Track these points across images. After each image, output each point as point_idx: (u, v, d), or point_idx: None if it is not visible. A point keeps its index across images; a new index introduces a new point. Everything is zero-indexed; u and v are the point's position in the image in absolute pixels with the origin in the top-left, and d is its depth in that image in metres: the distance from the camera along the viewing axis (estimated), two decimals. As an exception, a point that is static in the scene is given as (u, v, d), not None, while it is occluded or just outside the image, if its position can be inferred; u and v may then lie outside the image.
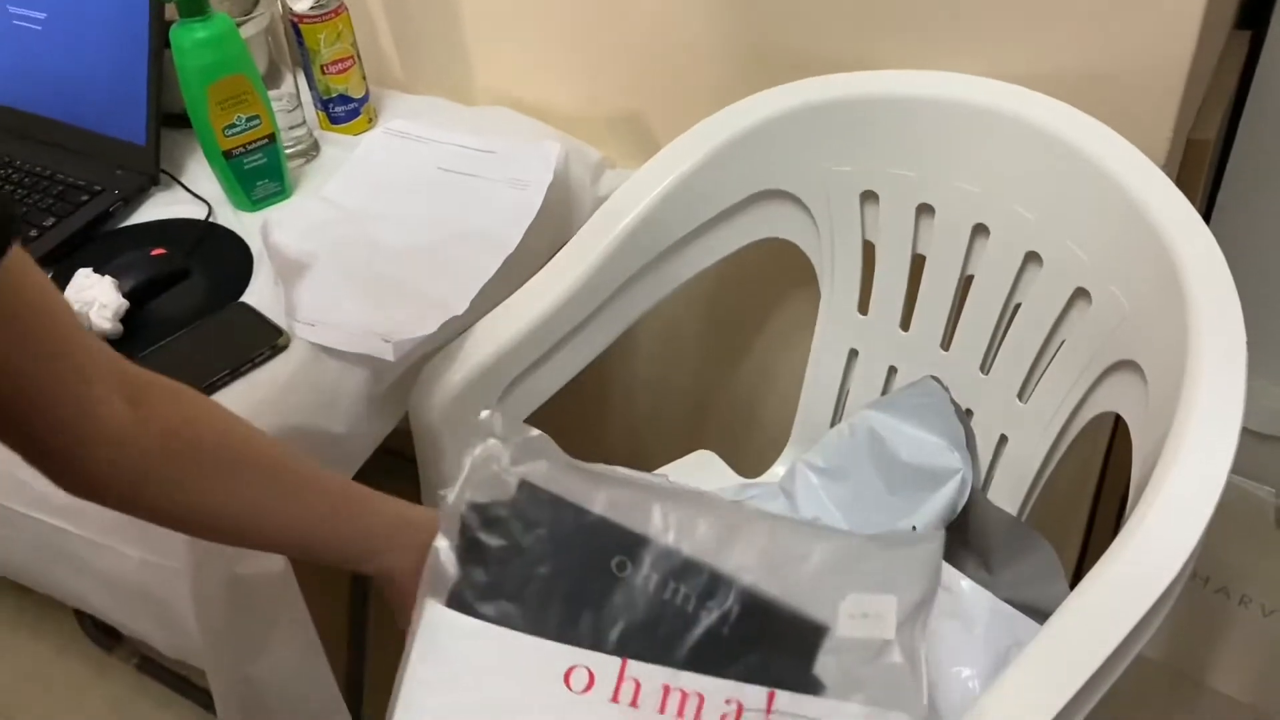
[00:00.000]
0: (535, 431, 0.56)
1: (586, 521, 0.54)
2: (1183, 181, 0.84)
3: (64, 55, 1.08)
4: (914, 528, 0.85)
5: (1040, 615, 0.82)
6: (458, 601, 0.54)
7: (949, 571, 0.82)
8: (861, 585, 0.53)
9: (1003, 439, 0.90)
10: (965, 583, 0.81)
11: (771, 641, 0.53)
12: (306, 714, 0.91)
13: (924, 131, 0.88)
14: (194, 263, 0.95)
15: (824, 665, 0.52)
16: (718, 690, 0.51)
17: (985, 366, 0.91)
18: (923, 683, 0.52)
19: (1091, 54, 0.84)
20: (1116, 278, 0.78)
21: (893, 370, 0.98)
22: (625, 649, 0.52)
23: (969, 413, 0.92)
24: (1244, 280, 0.71)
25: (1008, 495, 0.89)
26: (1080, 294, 0.82)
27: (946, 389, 0.91)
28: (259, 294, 0.90)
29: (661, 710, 0.51)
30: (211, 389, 0.82)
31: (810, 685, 0.52)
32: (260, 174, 1.00)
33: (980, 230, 0.87)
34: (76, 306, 0.86)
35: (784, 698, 0.51)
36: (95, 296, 0.86)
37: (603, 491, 0.54)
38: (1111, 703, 0.62)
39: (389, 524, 0.64)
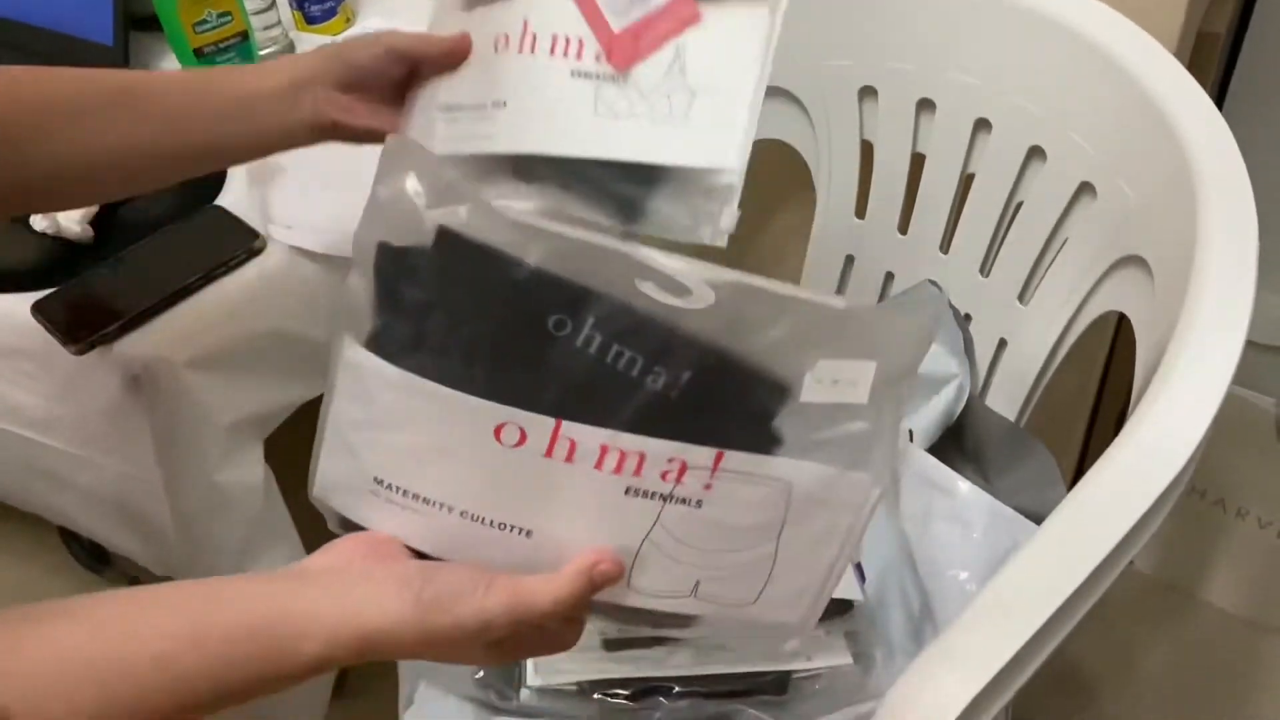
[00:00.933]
0: (453, 171, 0.50)
1: (518, 276, 0.46)
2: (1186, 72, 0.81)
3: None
4: (910, 433, 0.83)
5: (1038, 521, 0.80)
6: (376, 346, 0.49)
7: (947, 474, 0.80)
8: (836, 353, 0.47)
9: (1002, 343, 0.88)
10: (964, 485, 0.79)
11: (725, 405, 0.48)
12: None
13: (924, 22, 0.84)
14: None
15: (782, 426, 0.48)
16: (661, 450, 0.47)
17: (985, 269, 0.88)
18: (891, 451, 0.49)
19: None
20: (1124, 170, 0.75)
21: (890, 276, 0.95)
22: (561, 410, 0.47)
23: (968, 317, 0.90)
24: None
25: (1006, 401, 0.87)
26: (1085, 188, 0.79)
27: (944, 293, 0.89)
28: (234, 196, 0.87)
29: (598, 467, 0.48)
30: (186, 292, 0.79)
31: (763, 444, 0.48)
32: (235, 75, 0.96)
33: (982, 125, 0.84)
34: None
35: (734, 457, 0.48)
36: (63, 198, 0.83)
37: (539, 243, 0.46)
38: (1105, 613, 0.61)
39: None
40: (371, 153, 0.49)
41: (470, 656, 0.50)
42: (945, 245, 0.90)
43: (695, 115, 0.58)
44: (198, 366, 0.77)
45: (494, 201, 0.47)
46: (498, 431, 0.48)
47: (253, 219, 0.84)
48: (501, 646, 0.49)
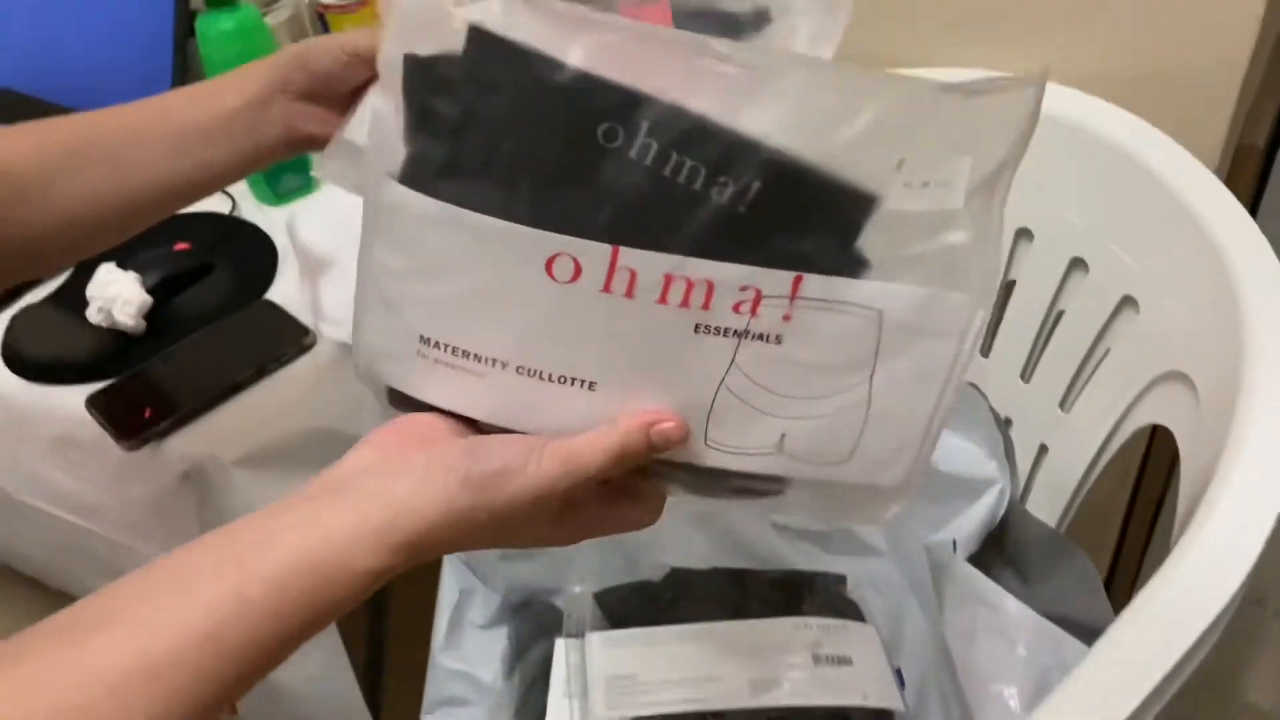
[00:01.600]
0: None
1: (561, 79, 0.41)
2: (1230, 189, 0.82)
3: (86, 43, 1.06)
4: (954, 542, 0.83)
5: (1078, 628, 0.80)
6: (411, 178, 0.44)
7: (992, 588, 0.80)
8: (926, 147, 0.41)
9: (1043, 449, 0.88)
10: (1010, 601, 0.79)
11: (802, 220, 0.42)
12: (329, 718, 0.90)
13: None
14: (218, 258, 0.93)
15: (868, 243, 0.42)
16: (731, 276, 0.42)
17: (1026, 374, 0.89)
18: (996, 263, 0.43)
19: (1143, 54, 0.81)
20: (1167, 286, 0.76)
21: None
22: (617, 235, 0.42)
23: (1008, 421, 0.90)
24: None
25: (1046, 507, 0.87)
26: (1127, 302, 0.79)
27: (985, 397, 0.89)
28: (284, 291, 0.89)
29: (663, 300, 0.42)
30: (236, 389, 0.80)
31: (849, 266, 0.42)
32: (286, 168, 0.98)
33: (1024, 235, 0.85)
34: (100, 303, 0.85)
35: (814, 282, 0.42)
36: (119, 292, 0.85)
37: (583, 37, 0.40)
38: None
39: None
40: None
41: (537, 535, 0.46)
42: (986, 350, 0.91)
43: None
44: (247, 464, 0.78)
45: None
46: (549, 265, 0.42)
47: (303, 314, 0.85)
48: (565, 521, 0.46)
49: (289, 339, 0.83)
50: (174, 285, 0.89)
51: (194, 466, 0.77)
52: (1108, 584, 1.12)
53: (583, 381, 0.44)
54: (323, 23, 1.02)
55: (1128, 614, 0.60)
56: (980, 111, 0.42)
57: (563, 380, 0.44)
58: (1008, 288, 0.88)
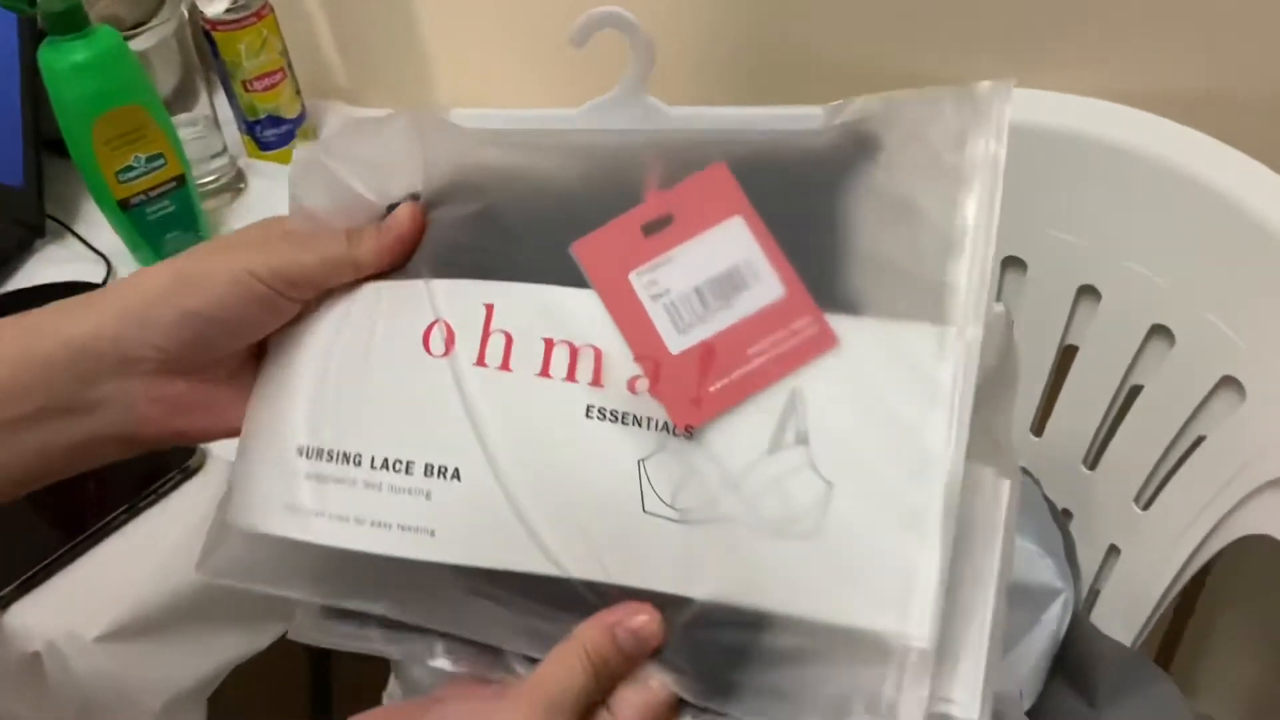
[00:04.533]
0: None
1: None
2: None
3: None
4: (1020, 693, 0.67)
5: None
6: None
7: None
8: None
9: (1113, 550, 0.72)
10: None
11: None
12: None
13: (1011, 167, 0.69)
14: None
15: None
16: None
17: (1090, 460, 0.72)
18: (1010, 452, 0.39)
19: (1229, 71, 0.65)
20: (1282, 367, 0.60)
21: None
22: None
23: (1066, 514, 0.74)
24: None
25: (1120, 620, 0.71)
26: (1229, 384, 0.63)
27: (1039, 483, 0.73)
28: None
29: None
30: (100, 535, 0.63)
31: None
32: (169, 224, 0.80)
33: (1087, 292, 0.69)
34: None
35: None
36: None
37: None
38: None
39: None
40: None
41: None
42: (1039, 428, 0.74)
43: (834, 525, 0.34)
44: (116, 638, 0.60)
45: None
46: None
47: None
48: None
49: (169, 461, 0.66)
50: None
51: (47, 646, 0.60)
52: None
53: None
54: (210, 42, 0.83)
55: None
56: None
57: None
58: (1067, 353, 0.72)
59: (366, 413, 0.39)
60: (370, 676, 0.72)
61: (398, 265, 0.41)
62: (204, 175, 0.86)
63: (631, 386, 0.36)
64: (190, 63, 0.84)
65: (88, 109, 0.72)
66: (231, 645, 0.66)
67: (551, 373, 0.36)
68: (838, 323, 0.35)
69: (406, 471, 0.37)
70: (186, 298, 0.38)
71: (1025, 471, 0.74)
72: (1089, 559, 0.73)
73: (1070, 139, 0.67)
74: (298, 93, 0.90)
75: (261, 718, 0.97)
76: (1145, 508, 0.70)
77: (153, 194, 0.78)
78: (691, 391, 0.35)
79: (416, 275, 0.40)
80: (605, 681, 0.35)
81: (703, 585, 0.34)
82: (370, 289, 0.41)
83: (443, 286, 0.39)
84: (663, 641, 0.35)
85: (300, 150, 0.44)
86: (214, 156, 0.87)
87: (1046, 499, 0.73)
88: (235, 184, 0.89)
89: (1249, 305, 0.61)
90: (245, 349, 0.42)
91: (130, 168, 0.76)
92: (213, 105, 0.87)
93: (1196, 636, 1.01)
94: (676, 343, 0.36)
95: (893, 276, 0.35)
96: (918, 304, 0.35)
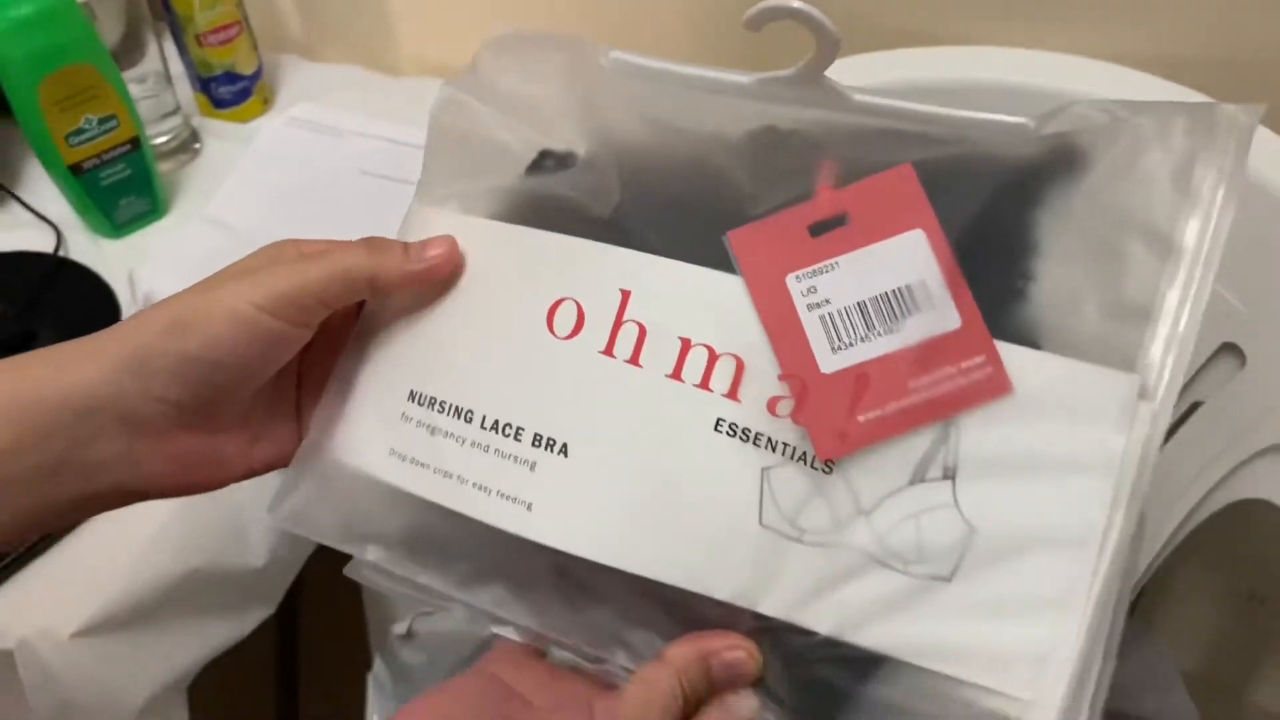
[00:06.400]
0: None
1: None
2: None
3: None
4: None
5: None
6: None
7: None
8: None
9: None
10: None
11: None
12: None
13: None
14: (40, 318, 0.71)
15: None
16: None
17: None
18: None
19: (1242, 35, 0.64)
20: (1283, 334, 0.60)
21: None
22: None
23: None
24: None
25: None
26: (1229, 350, 0.63)
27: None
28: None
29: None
30: (71, 525, 0.59)
31: None
32: (122, 190, 0.75)
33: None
34: None
35: None
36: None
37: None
38: None
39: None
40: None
41: None
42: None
43: (971, 576, 0.31)
44: (93, 634, 0.57)
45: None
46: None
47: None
48: None
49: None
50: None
51: (20, 644, 0.56)
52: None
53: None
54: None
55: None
56: None
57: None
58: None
59: (483, 371, 0.36)
60: (336, 658, 0.70)
61: (422, 301, 0.38)
62: (156, 136, 0.82)
63: (772, 408, 0.33)
64: (138, 13, 0.79)
65: (34, 68, 0.67)
66: (214, 635, 0.63)
67: (684, 376, 0.34)
68: (1012, 355, 0.32)
69: (515, 437, 0.35)
70: (183, 341, 0.34)
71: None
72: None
73: (1069, 100, 0.65)
74: (254, 47, 0.85)
75: (227, 698, 0.95)
76: (1138, 471, 0.70)
77: (106, 158, 0.73)
78: (839, 422, 0.32)
79: (539, 222, 0.37)
80: (690, 708, 0.33)
81: (814, 615, 0.32)
82: (496, 233, 0.38)
83: (579, 248, 0.36)
84: (759, 675, 0.33)
85: (446, 87, 0.40)
86: (166, 116, 0.83)
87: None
88: (190, 145, 0.84)
89: (1252, 271, 0.61)
90: (259, 387, 0.38)
91: (81, 130, 0.71)
92: (164, 59, 0.82)
93: (1161, 585, 1.03)
94: (829, 362, 0.33)
95: (1084, 320, 0.32)
96: (1107, 352, 0.31)
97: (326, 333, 0.38)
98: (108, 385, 0.34)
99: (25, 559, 0.58)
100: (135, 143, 0.74)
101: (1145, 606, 0.79)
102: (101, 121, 0.72)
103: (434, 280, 0.37)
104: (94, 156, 0.73)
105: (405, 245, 0.37)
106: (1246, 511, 0.64)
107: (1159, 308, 0.31)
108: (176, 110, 0.83)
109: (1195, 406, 0.66)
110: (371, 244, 0.37)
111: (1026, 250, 0.33)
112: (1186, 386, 0.65)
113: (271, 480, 0.40)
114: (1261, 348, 0.61)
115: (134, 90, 0.77)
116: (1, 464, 0.34)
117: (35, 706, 0.58)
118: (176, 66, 0.85)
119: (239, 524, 0.62)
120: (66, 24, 0.68)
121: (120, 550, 0.59)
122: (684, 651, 0.33)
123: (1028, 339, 0.32)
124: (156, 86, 0.82)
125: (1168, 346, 0.31)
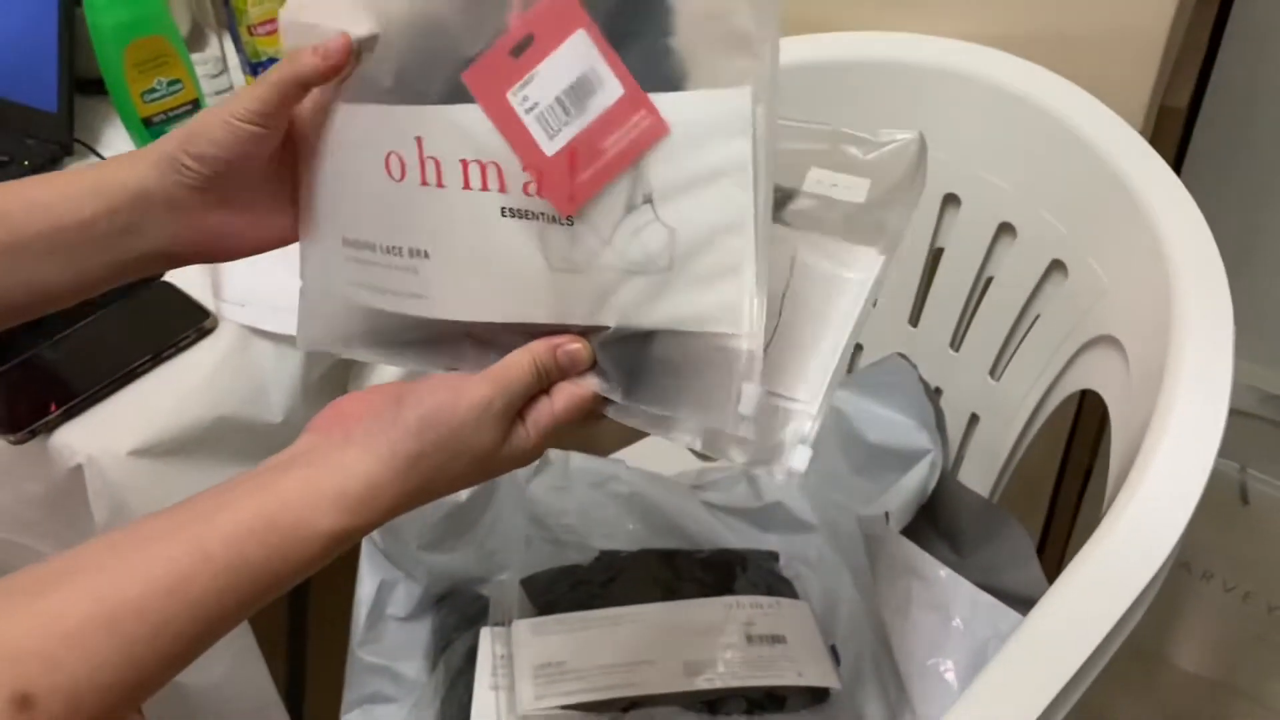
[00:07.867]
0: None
1: None
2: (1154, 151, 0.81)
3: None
4: (886, 514, 0.81)
5: (1012, 599, 0.79)
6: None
7: (926, 560, 0.79)
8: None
9: (974, 418, 0.87)
10: (944, 572, 0.77)
11: None
12: (243, 718, 0.86)
13: (890, 97, 0.83)
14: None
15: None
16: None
17: (955, 343, 0.87)
18: (897, 238, 0.51)
19: (1067, 15, 0.80)
20: (1095, 250, 0.75)
21: (859, 348, 0.94)
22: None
23: (938, 391, 0.89)
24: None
25: (979, 476, 0.86)
26: (1056, 266, 0.78)
27: (915, 367, 0.88)
28: (183, 272, 0.83)
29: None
30: (131, 376, 0.76)
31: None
32: (172, 119, 0.93)
33: (951, 201, 0.84)
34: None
35: None
36: (1, 276, 0.79)
37: None
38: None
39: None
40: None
41: (496, 461, 0.47)
42: (915, 319, 0.89)
43: (684, 264, 0.45)
44: (145, 455, 0.73)
45: None
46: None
47: (203, 296, 0.81)
48: (515, 434, 0.47)
49: (187, 323, 0.79)
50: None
51: (88, 459, 0.72)
52: (1040, 552, 1.12)
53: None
54: (222, -11, 0.97)
55: (1061, 582, 0.58)
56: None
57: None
58: (935, 255, 0.86)
59: (368, 215, 0.52)
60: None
61: (339, 74, 0.49)
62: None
63: (526, 190, 0.45)
64: (202, 7, 0.97)
65: (122, 35, 0.86)
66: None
67: (471, 185, 0.46)
68: (664, 101, 0.43)
69: (399, 254, 0.50)
70: (197, 145, 0.50)
71: (903, 356, 0.88)
72: (955, 427, 0.88)
73: (939, 74, 0.82)
74: (295, 40, 1.03)
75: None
76: (997, 379, 0.84)
77: (171, 114, 0.91)
78: (568, 188, 0.45)
79: (364, 100, 0.50)
80: (545, 382, 0.47)
81: (604, 315, 0.47)
82: (343, 117, 0.51)
83: (384, 113, 0.49)
84: (590, 363, 0.47)
85: (284, 12, 0.53)
86: (221, 93, 1.01)
87: (921, 379, 0.87)
88: (239, 117, 1.02)
89: (1070, 199, 0.76)
90: (254, 181, 0.53)
91: (154, 89, 0.89)
92: (222, 47, 1.00)
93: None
94: (549, 147, 0.45)
95: (713, 54, 0.44)
96: (733, 76, 0.43)
97: (292, 140, 0.53)
98: (152, 177, 0.51)
99: (89, 401, 0.74)
100: (196, 104, 0.92)
101: (1008, 492, 0.90)
102: (170, 84, 0.90)
103: (337, 55, 0.49)
104: (162, 112, 0.91)
105: (314, 48, 0.50)
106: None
107: (757, 37, 0.43)
108: (230, 89, 1.01)
109: (1035, 320, 0.81)
110: (290, 57, 0.49)
111: (663, 13, 0.44)
112: (1028, 303, 0.80)
113: (289, 351, 0.55)
114: (1079, 259, 0.76)
115: (198, 70, 0.95)
116: (89, 227, 0.50)
117: (95, 511, 0.74)
118: (233, 58, 1.03)
119: (262, 382, 0.78)
120: (147, 3, 0.86)
121: (167, 395, 0.75)
122: (538, 343, 0.47)
123: (677, 83, 0.43)
124: (215, 68, 1.00)
125: (771, 60, 0.43)
